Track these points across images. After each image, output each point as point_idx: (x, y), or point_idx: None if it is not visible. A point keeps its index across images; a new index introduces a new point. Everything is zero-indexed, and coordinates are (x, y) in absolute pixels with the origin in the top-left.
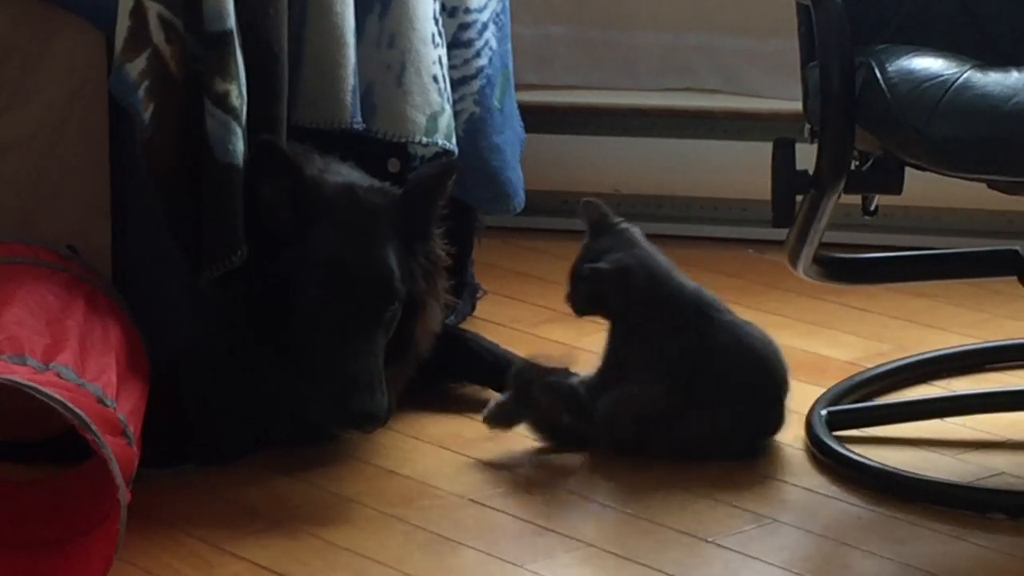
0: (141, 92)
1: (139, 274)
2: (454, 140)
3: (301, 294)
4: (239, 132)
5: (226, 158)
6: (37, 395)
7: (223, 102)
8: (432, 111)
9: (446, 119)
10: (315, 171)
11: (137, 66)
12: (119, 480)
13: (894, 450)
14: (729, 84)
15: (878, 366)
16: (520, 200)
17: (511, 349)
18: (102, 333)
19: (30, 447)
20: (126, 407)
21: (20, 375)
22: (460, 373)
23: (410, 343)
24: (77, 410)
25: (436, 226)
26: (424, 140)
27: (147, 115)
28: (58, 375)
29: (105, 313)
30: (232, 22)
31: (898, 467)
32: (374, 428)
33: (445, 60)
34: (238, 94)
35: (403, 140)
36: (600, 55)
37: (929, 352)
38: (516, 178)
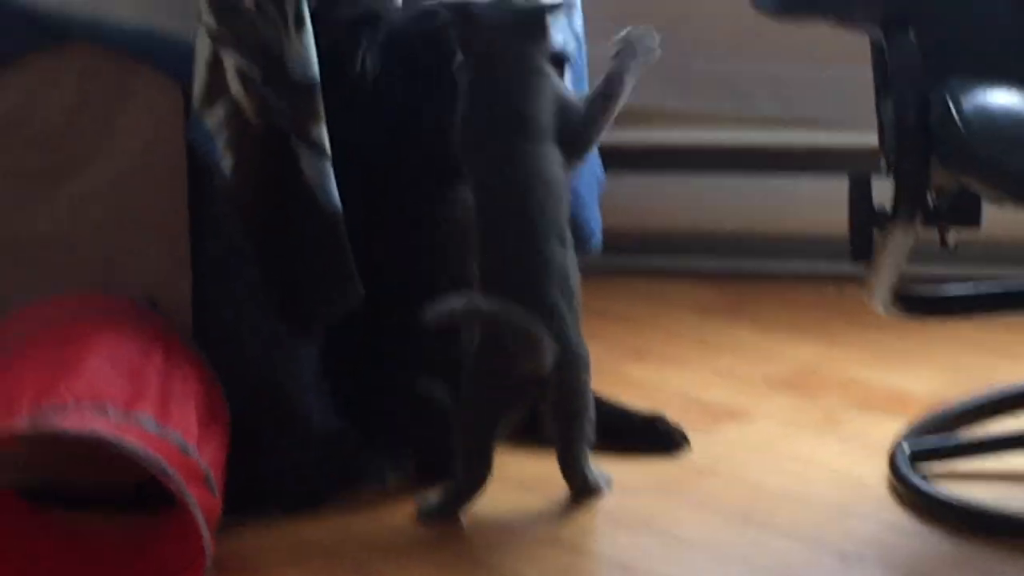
0: (219, 142)
1: (219, 322)
2: None
3: None
4: (332, 175)
5: (329, 201)
6: (120, 447)
7: (319, 147)
8: None
9: None
10: None
11: (215, 117)
12: (204, 530)
13: (979, 485)
14: (785, 111)
15: (961, 400)
16: (597, 240)
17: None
18: (181, 383)
19: (111, 494)
20: (208, 456)
21: (102, 426)
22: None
23: None
24: (159, 460)
25: None
26: None
27: (226, 165)
28: (139, 425)
29: (184, 363)
30: (317, 70)
31: (984, 502)
32: None
33: None
34: (326, 138)
35: None
36: (657, 77)
37: (1014, 385)
38: (594, 218)
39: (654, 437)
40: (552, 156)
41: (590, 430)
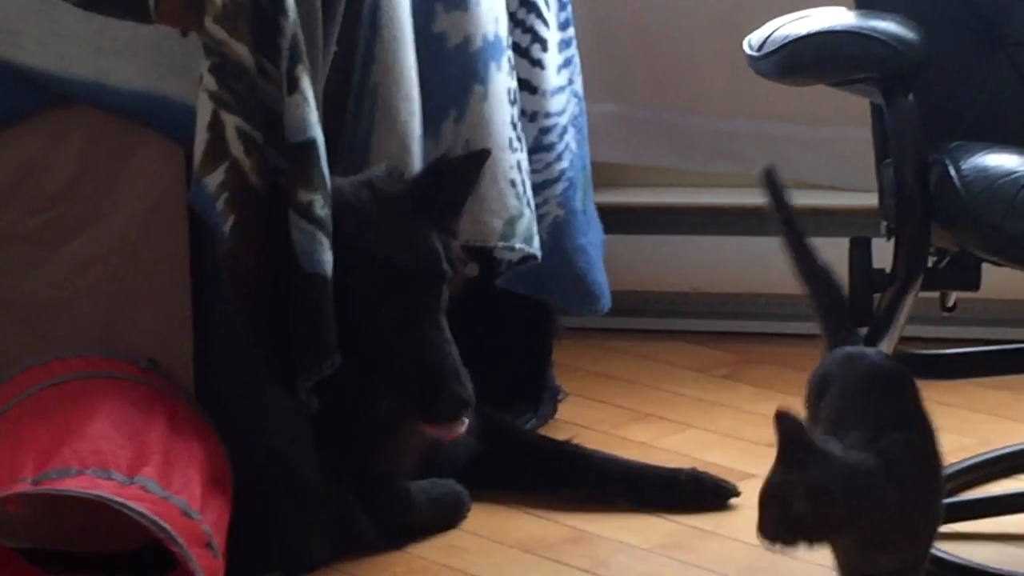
0: (220, 204)
1: (222, 384)
2: (536, 243)
3: (360, 301)
4: (325, 242)
5: (312, 268)
6: (123, 510)
7: (307, 212)
8: (509, 215)
9: (525, 223)
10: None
11: (216, 178)
12: None
13: (979, 546)
14: (783, 172)
15: (961, 461)
16: (607, 301)
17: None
18: (185, 445)
19: (116, 559)
20: (211, 518)
21: (106, 489)
22: (542, 476)
23: None
24: (163, 523)
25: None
26: (500, 244)
27: (227, 227)
28: (143, 488)
29: (187, 425)
30: (314, 131)
31: (984, 563)
32: (467, 414)
33: (525, 164)
34: (322, 204)
35: (479, 244)
36: (654, 138)
37: (1013, 446)
38: (602, 279)
39: (699, 492)
40: None
41: None
